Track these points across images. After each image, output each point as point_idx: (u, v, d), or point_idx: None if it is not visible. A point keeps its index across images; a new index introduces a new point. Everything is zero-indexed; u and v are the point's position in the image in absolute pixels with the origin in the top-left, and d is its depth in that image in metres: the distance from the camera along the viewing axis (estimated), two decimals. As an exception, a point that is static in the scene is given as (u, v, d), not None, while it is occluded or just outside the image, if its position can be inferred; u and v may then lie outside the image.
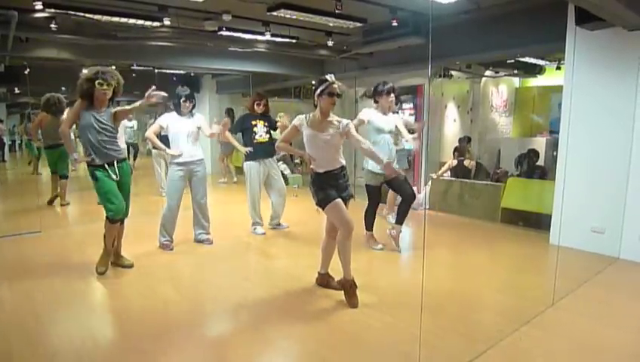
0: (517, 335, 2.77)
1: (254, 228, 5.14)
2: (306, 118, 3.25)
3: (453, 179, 6.80)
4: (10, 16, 4.53)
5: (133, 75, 8.89)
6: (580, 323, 3.01)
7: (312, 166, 3.22)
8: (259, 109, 5.07)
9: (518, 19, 5.28)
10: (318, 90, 3.18)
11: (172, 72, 9.98)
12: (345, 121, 3.28)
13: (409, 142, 4.64)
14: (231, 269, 4.11)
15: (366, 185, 4.56)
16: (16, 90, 9.44)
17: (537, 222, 5.40)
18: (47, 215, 5.74)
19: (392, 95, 4.44)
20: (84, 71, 3.60)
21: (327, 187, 3.19)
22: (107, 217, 3.64)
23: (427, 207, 6.59)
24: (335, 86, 3.16)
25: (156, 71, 8.77)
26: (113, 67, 3.69)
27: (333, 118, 3.28)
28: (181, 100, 4.44)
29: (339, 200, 3.17)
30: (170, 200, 4.44)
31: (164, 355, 2.59)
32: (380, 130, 4.38)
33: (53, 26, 5.06)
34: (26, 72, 7.39)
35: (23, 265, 4.02)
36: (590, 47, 4.29)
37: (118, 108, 3.77)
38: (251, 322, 3.08)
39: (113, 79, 3.58)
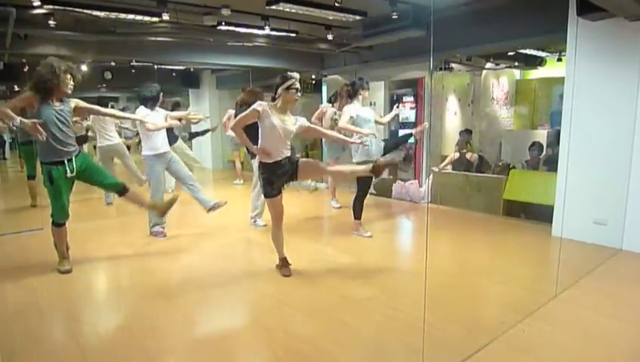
0: (520, 327, 2.77)
1: (254, 221, 5.14)
2: (268, 104, 3.41)
3: (455, 172, 6.79)
4: (8, 13, 4.51)
5: (133, 70, 8.88)
6: (583, 314, 3.01)
7: (261, 159, 3.46)
8: None
9: (518, 10, 5.24)
10: (284, 85, 3.40)
11: (172, 67, 9.96)
12: (301, 119, 3.59)
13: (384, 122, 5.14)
14: (232, 264, 4.10)
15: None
16: (16, 88, 9.43)
17: (539, 213, 5.39)
18: (48, 212, 5.73)
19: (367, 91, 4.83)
20: (53, 62, 3.46)
21: (275, 179, 3.45)
22: (53, 222, 3.64)
23: (429, 200, 6.58)
24: (297, 82, 3.43)
25: (156, 67, 8.74)
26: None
27: (290, 115, 3.55)
28: (160, 95, 4.72)
29: (279, 196, 3.52)
30: (159, 192, 4.66)
31: (167, 353, 2.60)
32: (367, 120, 4.67)
33: (51, 22, 5.04)
34: (25, 70, 7.37)
35: (25, 262, 4.03)
36: (592, 38, 4.26)
37: (82, 103, 3.71)
38: (254, 317, 3.09)
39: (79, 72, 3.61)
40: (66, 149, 3.52)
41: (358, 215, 4.78)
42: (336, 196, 6.25)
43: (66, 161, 3.53)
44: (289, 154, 3.53)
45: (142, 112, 4.60)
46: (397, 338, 2.69)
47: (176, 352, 2.59)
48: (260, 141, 3.44)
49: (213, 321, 3.04)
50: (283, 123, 3.41)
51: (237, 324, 3.04)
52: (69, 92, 3.58)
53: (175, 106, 7.91)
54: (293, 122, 3.52)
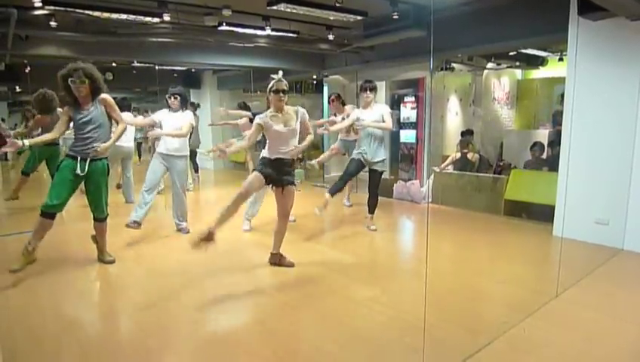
0: (521, 326, 2.77)
1: (243, 222, 5.12)
2: (266, 115, 3.55)
3: (456, 172, 6.79)
4: (10, 14, 4.52)
5: (134, 71, 8.89)
6: (585, 314, 3.01)
7: (263, 153, 3.62)
8: None
9: (519, 10, 5.24)
10: (268, 88, 3.53)
11: (173, 68, 9.97)
12: (301, 110, 3.63)
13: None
14: (232, 264, 4.10)
15: (350, 158, 5.05)
16: (18, 89, 9.45)
17: (541, 213, 5.38)
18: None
19: (368, 92, 4.82)
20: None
21: (269, 168, 3.56)
22: (41, 211, 3.58)
23: (430, 200, 6.58)
24: (280, 83, 3.49)
25: (157, 67, 8.75)
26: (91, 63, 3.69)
27: (289, 109, 3.59)
28: (166, 96, 4.77)
29: (261, 175, 3.54)
30: (147, 186, 4.72)
31: (169, 352, 2.60)
32: (362, 123, 4.79)
33: (52, 23, 5.05)
34: (26, 70, 7.39)
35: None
36: (593, 37, 4.25)
37: (105, 97, 3.69)
38: (255, 317, 3.10)
39: (86, 75, 3.56)
40: (80, 149, 3.58)
41: (370, 210, 5.06)
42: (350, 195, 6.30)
43: (78, 159, 3.58)
44: (294, 158, 3.65)
45: (158, 115, 4.80)
46: (398, 338, 2.69)
47: (178, 351, 2.59)
48: (267, 142, 3.62)
49: (214, 321, 3.04)
50: (285, 125, 3.52)
51: (237, 324, 3.05)
52: (80, 94, 3.57)
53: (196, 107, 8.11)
54: (294, 117, 3.58)
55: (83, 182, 3.70)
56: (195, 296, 3.35)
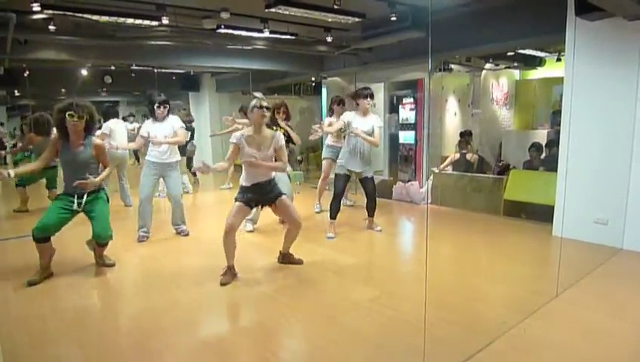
0: (521, 327, 2.78)
1: (245, 224, 5.12)
2: (242, 135, 3.57)
3: (455, 172, 6.80)
4: (9, 18, 4.53)
5: (133, 74, 8.90)
6: (584, 314, 3.01)
7: (241, 182, 3.69)
8: (278, 117, 5.02)
9: (517, 10, 5.25)
10: (249, 108, 3.56)
11: (172, 71, 9.98)
12: (278, 135, 3.67)
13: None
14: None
15: (335, 174, 4.98)
16: (17, 93, 9.46)
17: (540, 214, 5.39)
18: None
19: (369, 99, 4.77)
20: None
21: (250, 195, 3.61)
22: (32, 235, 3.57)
23: (429, 201, 6.59)
24: (263, 100, 3.54)
25: (156, 71, 8.76)
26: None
27: (267, 132, 3.63)
28: (154, 106, 4.70)
29: (243, 205, 3.59)
30: (141, 194, 4.71)
31: (171, 355, 2.60)
32: (355, 132, 4.67)
33: (51, 27, 5.05)
34: (25, 75, 7.40)
35: (27, 266, 4.02)
36: (590, 37, 4.27)
37: (98, 144, 3.73)
38: (255, 318, 3.10)
39: (84, 112, 3.57)
40: (72, 187, 3.58)
41: (370, 213, 5.06)
42: (320, 201, 6.17)
43: (76, 196, 3.62)
44: (271, 177, 3.68)
45: (144, 129, 4.77)
46: (398, 339, 2.69)
47: (179, 353, 2.59)
48: (243, 169, 3.68)
49: (214, 322, 3.05)
50: (259, 149, 3.55)
51: (237, 325, 3.05)
52: (76, 130, 3.57)
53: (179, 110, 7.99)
54: (270, 142, 3.60)
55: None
56: (195, 297, 3.35)
